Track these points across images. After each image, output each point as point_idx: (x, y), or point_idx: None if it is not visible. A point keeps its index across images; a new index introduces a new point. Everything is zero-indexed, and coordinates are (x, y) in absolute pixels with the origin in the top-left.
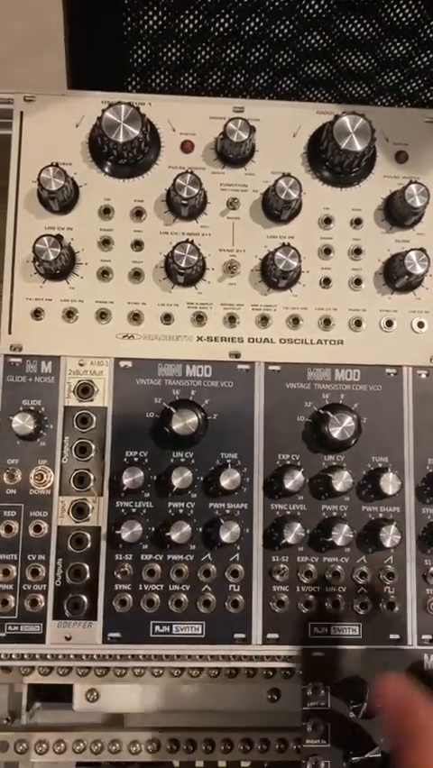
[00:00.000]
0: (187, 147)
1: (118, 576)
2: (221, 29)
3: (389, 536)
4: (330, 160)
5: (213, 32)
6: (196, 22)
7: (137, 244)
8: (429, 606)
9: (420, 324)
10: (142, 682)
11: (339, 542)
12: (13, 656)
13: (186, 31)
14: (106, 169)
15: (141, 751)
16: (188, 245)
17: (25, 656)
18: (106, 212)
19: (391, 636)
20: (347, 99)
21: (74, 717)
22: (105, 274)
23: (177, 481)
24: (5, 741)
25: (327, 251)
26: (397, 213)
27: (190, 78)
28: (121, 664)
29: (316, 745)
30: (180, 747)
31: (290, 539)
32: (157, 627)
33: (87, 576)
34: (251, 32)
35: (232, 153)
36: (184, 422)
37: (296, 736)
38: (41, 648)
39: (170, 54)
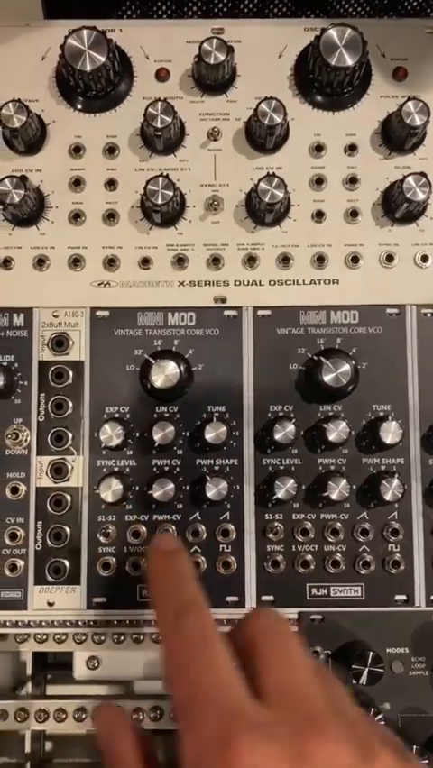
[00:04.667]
0: (162, 75)
1: (101, 538)
2: None
3: (390, 490)
4: (319, 81)
5: None
6: None
7: (111, 184)
8: None
9: (424, 258)
10: (143, 648)
11: (335, 496)
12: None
13: None
14: (76, 105)
15: (143, 719)
16: (161, 179)
17: (8, 624)
18: (77, 150)
19: (397, 597)
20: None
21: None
22: (77, 217)
23: (158, 437)
24: (5, 710)
25: (319, 181)
26: (395, 135)
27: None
28: (106, 630)
29: None
30: None
31: (281, 494)
32: (144, 591)
33: (69, 539)
34: None
35: (210, 78)
36: (165, 374)
37: None
38: (24, 615)
39: None
